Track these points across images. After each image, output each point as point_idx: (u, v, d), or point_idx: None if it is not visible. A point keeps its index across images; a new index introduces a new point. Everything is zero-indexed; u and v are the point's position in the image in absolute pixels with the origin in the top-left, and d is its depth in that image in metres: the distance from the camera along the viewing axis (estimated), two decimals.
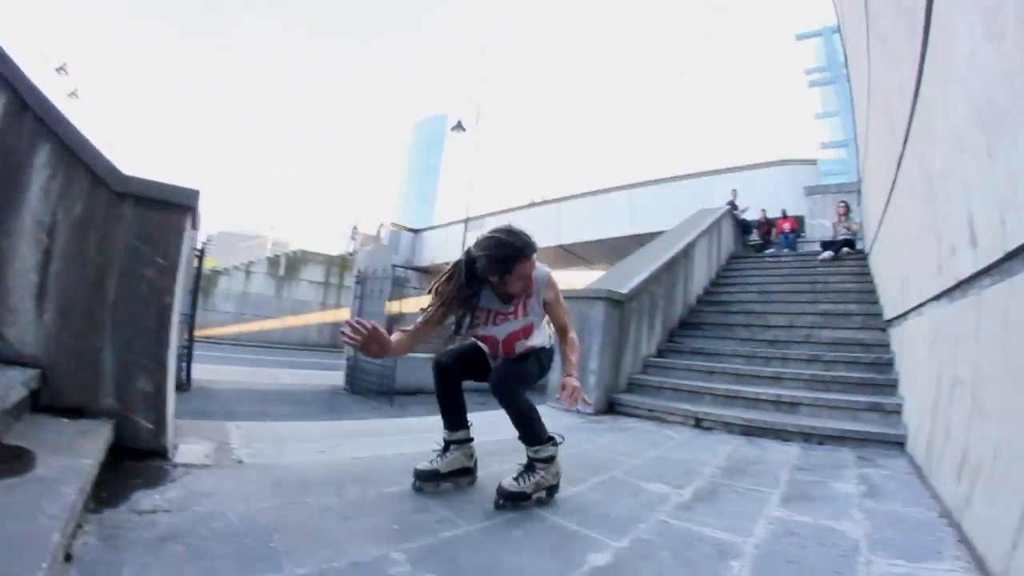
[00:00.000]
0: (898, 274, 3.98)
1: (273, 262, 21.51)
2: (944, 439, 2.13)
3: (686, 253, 6.81)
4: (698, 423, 3.99)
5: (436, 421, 3.54)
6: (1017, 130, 1.43)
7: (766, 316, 6.36)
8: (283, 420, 5.37)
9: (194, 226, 2.15)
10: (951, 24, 1.80)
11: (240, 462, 2.00)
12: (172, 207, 2.00)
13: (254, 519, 1.48)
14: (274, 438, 2.44)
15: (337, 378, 8.74)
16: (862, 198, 8.46)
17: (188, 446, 2.07)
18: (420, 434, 3.04)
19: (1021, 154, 1.42)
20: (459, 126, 17.46)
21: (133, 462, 1.78)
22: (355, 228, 25.17)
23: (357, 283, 8.78)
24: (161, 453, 1.91)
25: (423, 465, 1.99)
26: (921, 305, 3.01)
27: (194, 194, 2.06)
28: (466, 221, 18.04)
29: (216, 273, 20.07)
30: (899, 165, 3.53)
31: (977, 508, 1.58)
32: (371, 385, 7.89)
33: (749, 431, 3.76)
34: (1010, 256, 1.55)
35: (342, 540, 1.43)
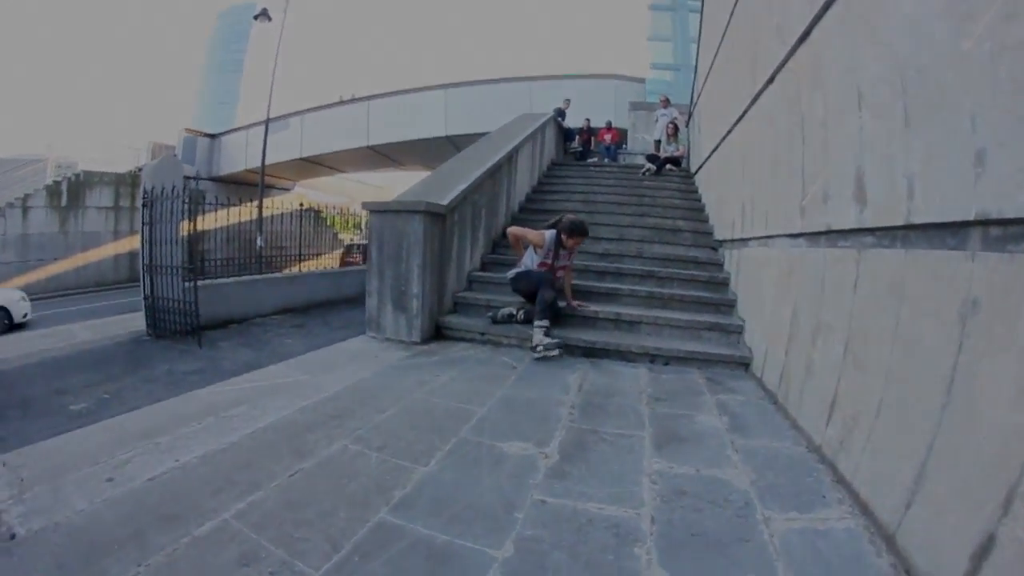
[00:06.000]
0: (739, 199, 4.32)
1: (53, 191, 17.47)
2: (805, 375, 2.37)
3: (510, 159, 6.44)
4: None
5: (251, 388, 2.85)
6: (950, 111, 1.39)
7: (595, 227, 5.98)
8: (83, 399, 4.68)
9: None
10: None
11: (13, 537, 1.39)
12: None
13: None
14: (52, 471, 1.78)
15: (138, 321, 7.66)
16: (693, 121, 9.09)
17: None
18: (229, 411, 2.39)
19: (947, 132, 1.40)
20: (264, 14, 14.68)
21: None
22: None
23: (144, 207, 7.28)
24: None
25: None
26: (770, 237, 3.27)
27: None
28: (267, 122, 15.65)
29: None
30: (755, 100, 3.66)
31: (856, 456, 1.76)
32: (174, 324, 7.12)
33: (591, 353, 3.68)
34: (914, 228, 1.60)
35: None
